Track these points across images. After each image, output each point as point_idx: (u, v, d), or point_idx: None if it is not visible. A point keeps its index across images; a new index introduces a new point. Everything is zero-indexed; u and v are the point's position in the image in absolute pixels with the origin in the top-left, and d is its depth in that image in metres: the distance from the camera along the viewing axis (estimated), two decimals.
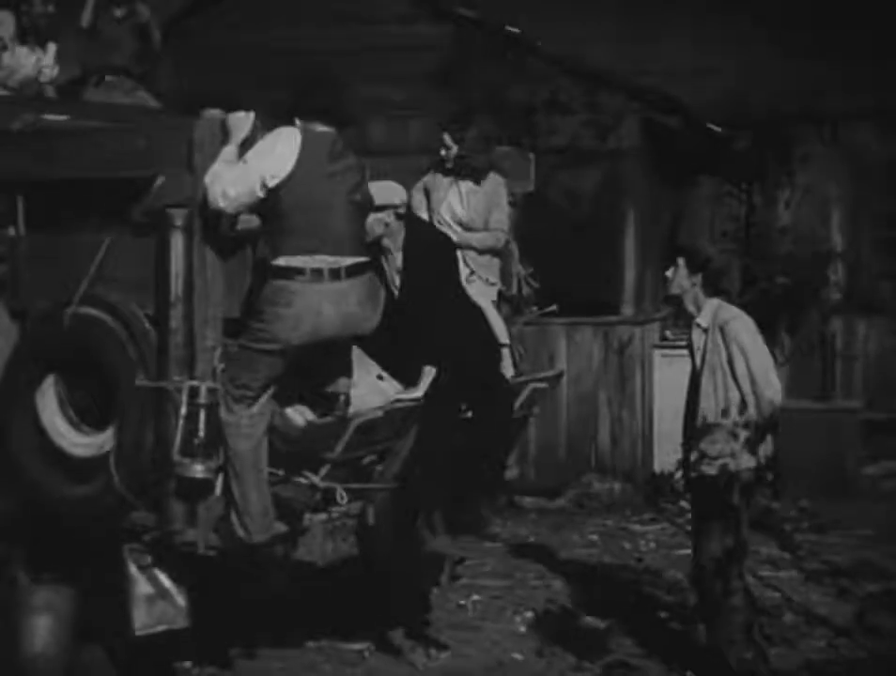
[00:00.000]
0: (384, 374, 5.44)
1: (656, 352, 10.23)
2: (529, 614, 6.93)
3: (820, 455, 9.78)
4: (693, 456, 5.65)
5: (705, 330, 5.65)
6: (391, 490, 5.30)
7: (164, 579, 4.99)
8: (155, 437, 4.86)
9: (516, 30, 10.21)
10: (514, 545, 8.53)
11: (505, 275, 6.38)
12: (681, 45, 10.90)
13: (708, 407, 5.60)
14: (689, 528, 8.81)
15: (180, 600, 4.96)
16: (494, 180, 6.29)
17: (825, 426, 9.98)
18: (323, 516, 5.17)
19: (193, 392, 4.75)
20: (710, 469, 5.60)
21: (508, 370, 6.09)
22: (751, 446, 5.54)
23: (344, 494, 5.09)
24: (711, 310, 5.66)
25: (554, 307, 6.57)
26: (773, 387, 5.51)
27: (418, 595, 6.34)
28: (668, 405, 9.66)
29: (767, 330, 10.52)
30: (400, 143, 8.91)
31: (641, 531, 8.99)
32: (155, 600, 4.93)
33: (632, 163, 10.24)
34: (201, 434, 4.74)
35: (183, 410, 4.72)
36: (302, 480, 5.02)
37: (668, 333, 10.37)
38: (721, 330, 5.55)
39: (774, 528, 8.94)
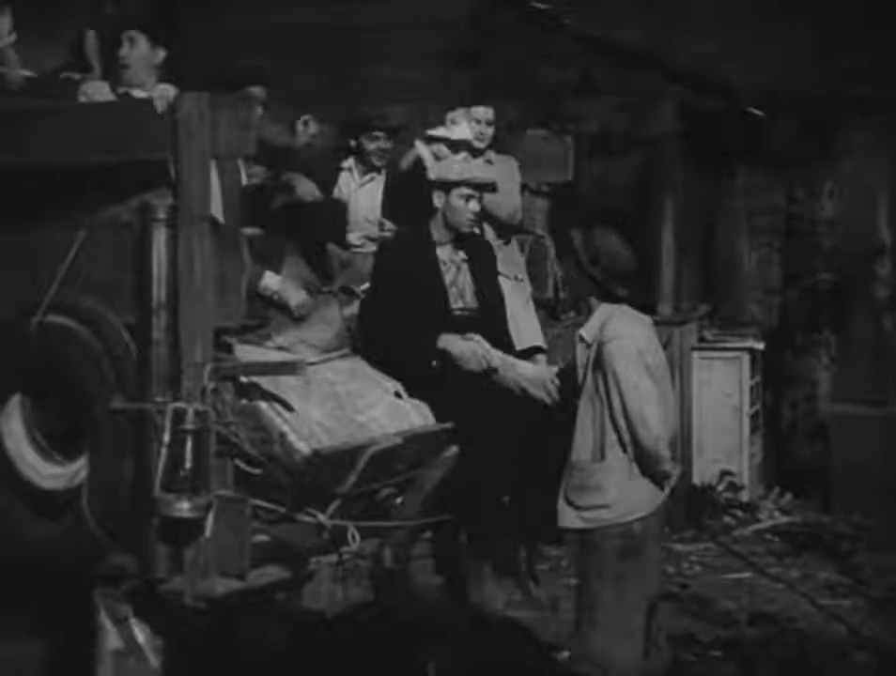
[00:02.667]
0: (402, 390, 4.82)
1: (695, 355, 9.54)
2: (565, 654, 6.21)
3: (873, 465, 9.07)
4: (560, 503, 4.60)
5: (589, 345, 4.59)
6: (413, 528, 4.70)
7: (139, 634, 4.38)
8: (134, 469, 4.28)
9: (542, 5, 9.56)
10: (545, 570, 7.79)
11: (539, 276, 5.90)
12: (715, 25, 10.07)
13: (583, 444, 4.56)
14: (734, 547, 8.43)
15: (153, 660, 4.36)
16: (505, 162, 5.77)
17: (878, 433, 9.32)
18: (332, 559, 4.54)
19: (179, 416, 4.14)
20: (576, 522, 4.60)
21: None
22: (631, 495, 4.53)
23: (356, 534, 4.47)
24: (600, 319, 4.60)
25: None
26: (648, 430, 4.45)
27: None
28: (708, 411, 9.22)
29: (812, 330, 10.72)
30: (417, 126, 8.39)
31: (683, 552, 8.24)
32: (125, 657, 4.36)
33: (670, 151, 9.69)
34: (187, 465, 4.12)
35: (166, 437, 4.13)
36: (307, 518, 4.40)
37: (707, 334, 9.78)
38: (600, 349, 4.54)
39: (828, 546, 8.31)
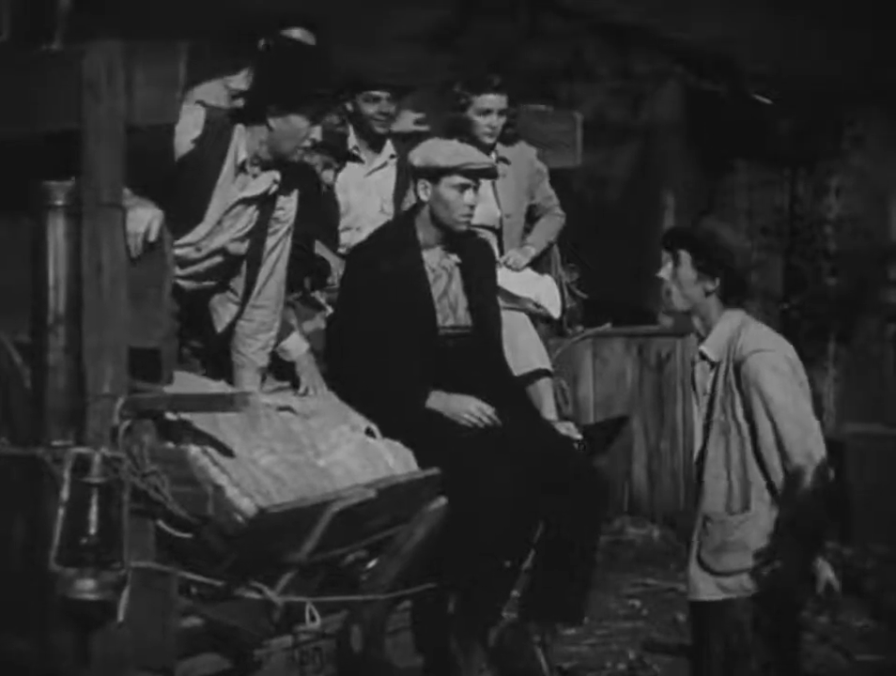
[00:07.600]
0: (375, 428, 4.03)
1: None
2: None
3: (890, 489, 8.40)
4: (692, 569, 3.80)
5: (714, 365, 3.81)
6: (387, 601, 3.90)
7: None
8: (25, 533, 3.54)
9: None
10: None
11: None
12: (717, 9, 9.64)
13: (715, 496, 3.80)
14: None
15: None
16: (524, 150, 5.11)
17: (892, 453, 8.76)
18: (286, 642, 3.78)
19: (81, 465, 3.41)
20: (716, 593, 3.76)
21: (549, 412, 4.77)
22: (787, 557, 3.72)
23: (315, 611, 3.71)
24: (726, 332, 3.78)
25: (608, 325, 5.75)
26: (811, 459, 3.64)
27: None
28: None
29: (818, 339, 10.28)
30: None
31: None
32: None
33: (671, 141, 9.32)
34: (93, 530, 3.36)
35: (65, 493, 3.38)
36: (252, 594, 3.62)
37: None
38: (737, 368, 3.75)
39: (853, 583, 7.59)
